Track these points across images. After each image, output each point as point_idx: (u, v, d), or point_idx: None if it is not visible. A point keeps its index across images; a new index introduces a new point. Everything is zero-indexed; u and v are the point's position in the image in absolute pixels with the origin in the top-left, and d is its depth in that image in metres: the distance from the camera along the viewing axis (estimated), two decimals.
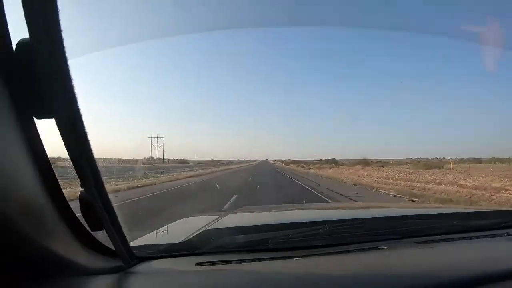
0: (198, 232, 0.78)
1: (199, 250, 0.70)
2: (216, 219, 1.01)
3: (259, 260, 0.65)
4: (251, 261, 0.65)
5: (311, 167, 28.42)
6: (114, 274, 0.56)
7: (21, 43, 0.37)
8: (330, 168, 22.69)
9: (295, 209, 1.43)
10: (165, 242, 0.75)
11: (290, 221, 0.94)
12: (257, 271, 0.60)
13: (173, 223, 1.13)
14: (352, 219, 0.87)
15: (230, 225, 0.95)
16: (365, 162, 22.94)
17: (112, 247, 0.58)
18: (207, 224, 0.91)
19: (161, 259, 0.67)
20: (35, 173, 0.44)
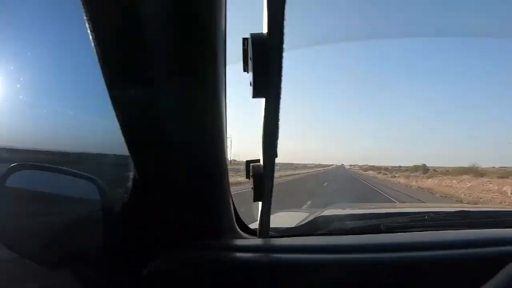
0: (310, 219, 0.88)
1: (317, 232, 0.77)
2: (318, 211, 1.08)
3: None
4: None
5: (397, 175, 25.06)
6: (256, 240, 0.67)
7: (255, 34, 0.47)
8: (427, 178, 19.03)
9: (390, 205, 1.56)
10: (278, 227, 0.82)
11: (395, 211, 1.08)
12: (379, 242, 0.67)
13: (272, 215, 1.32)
14: (453, 210, 0.99)
15: (340, 213, 1.07)
16: (474, 171, 18.50)
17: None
18: (311, 214, 0.99)
19: (287, 238, 0.74)
20: (218, 153, 0.54)
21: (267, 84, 0.49)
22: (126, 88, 0.47)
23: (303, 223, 0.88)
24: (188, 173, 0.51)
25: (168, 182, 0.52)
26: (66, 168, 0.81)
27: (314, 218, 0.93)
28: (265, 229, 0.70)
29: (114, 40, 0.46)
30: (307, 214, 1.13)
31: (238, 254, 0.56)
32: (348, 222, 0.86)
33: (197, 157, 0.50)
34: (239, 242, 0.63)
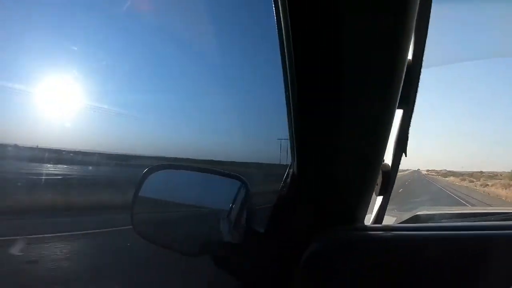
0: (407, 218, 1.01)
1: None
2: (407, 213, 1.16)
3: None
4: None
5: (489, 183, 21.12)
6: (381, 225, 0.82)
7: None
8: None
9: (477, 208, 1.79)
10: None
11: (487, 211, 1.24)
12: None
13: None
14: None
15: (435, 212, 1.19)
16: None
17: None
18: (402, 215, 1.11)
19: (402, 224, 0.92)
20: (376, 159, 0.64)
21: (407, 99, 0.62)
22: (312, 92, 0.56)
23: (400, 221, 0.99)
24: (345, 171, 0.64)
25: (324, 178, 0.65)
26: (210, 168, 0.95)
27: (412, 216, 1.02)
28: (380, 220, 0.83)
29: (311, 46, 0.52)
30: (395, 218, 1.17)
31: (376, 233, 0.69)
32: (444, 220, 0.96)
33: (358, 159, 0.63)
34: (371, 226, 0.76)
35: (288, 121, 0.62)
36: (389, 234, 0.68)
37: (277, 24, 0.54)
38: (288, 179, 0.69)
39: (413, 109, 0.66)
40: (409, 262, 0.63)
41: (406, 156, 0.71)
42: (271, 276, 0.72)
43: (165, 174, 0.92)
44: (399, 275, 0.62)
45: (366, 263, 0.62)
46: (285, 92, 0.59)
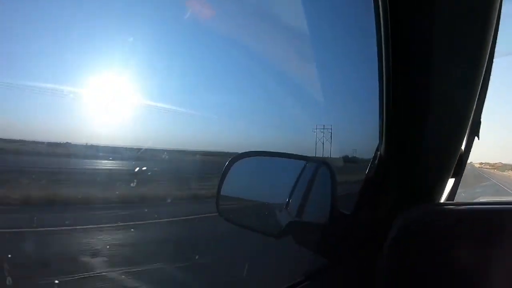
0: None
1: None
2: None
3: None
4: None
5: None
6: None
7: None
8: None
9: None
10: None
11: None
12: None
13: None
14: None
15: (499, 199, 1.39)
16: None
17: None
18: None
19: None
20: (454, 147, 0.71)
21: (482, 87, 0.69)
22: (403, 84, 0.64)
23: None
24: (428, 155, 0.71)
25: (410, 160, 0.72)
26: (292, 153, 0.97)
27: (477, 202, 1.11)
28: (451, 200, 0.92)
29: (407, 42, 0.60)
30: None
31: (455, 208, 0.77)
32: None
33: (441, 144, 0.70)
34: (449, 202, 0.86)
35: (380, 110, 0.70)
36: (466, 208, 0.76)
37: (376, 24, 0.63)
38: (376, 161, 0.77)
39: (485, 96, 0.74)
40: (486, 231, 0.70)
41: (479, 139, 0.80)
42: (357, 253, 0.77)
43: (247, 162, 0.97)
44: (477, 244, 0.67)
45: (449, 236, 0.68)
46: (379, 84, 0.67)
